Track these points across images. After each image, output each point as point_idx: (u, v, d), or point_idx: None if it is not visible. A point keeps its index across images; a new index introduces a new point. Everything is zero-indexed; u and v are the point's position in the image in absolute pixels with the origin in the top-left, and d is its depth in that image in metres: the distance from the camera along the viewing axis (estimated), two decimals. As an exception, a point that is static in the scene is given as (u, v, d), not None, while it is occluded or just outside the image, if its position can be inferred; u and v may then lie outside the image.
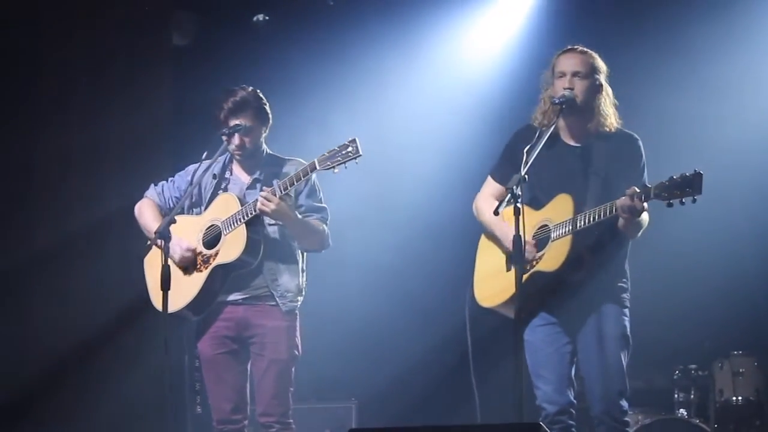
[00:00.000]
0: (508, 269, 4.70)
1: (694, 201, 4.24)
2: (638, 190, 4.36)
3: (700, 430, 6.56)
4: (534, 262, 4.60)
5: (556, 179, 4.68)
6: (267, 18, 7.77)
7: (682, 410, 6.92)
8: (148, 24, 7.39)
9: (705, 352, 7.03)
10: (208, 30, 7.69)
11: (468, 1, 7.60)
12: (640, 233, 4.61)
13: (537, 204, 4.70)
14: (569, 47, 4.78)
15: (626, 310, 4.69)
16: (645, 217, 4.54)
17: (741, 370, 6.90)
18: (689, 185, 4.21)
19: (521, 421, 4.09)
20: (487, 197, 4.87)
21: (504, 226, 4.66)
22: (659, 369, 7.05)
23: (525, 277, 4.51)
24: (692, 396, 6.96)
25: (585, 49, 4.76)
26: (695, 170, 4.23)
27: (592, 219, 4.48)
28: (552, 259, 4.56)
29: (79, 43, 7.17)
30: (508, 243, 4.57)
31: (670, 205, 4.29)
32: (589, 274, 4.58)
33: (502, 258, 4.75)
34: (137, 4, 7.34)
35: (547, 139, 4.58)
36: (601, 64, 4.75)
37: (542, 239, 4.62)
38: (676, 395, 6.99)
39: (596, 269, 4.59)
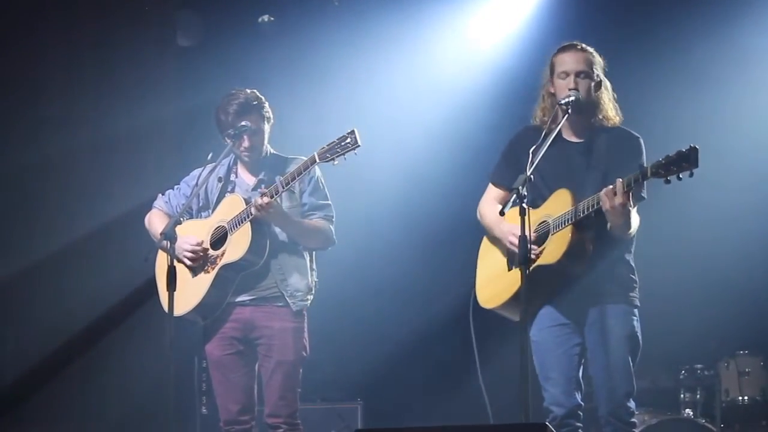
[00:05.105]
0: (509, 269, 4.70)
1: (691, 175, 4.22)
2: (622, 181, 4.34)
3: (706, 430, 6.56)
4: (534, 258, 4.58)
5: (558, 176, 4.67)
6: (272, 19, 7.77)
7: (688, 410, 6.92)
8: (154, 25, 7.40)
9: (711, 352, 7.03)
10: (213, 31, 7.70)
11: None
12: (631, 231, 4.55)
13: (536, 203, 4.69)
14: (567, 44, 4.76)
15: (635, 310, 4.66)
16: (634, 217, 4.51)
17: (747, 370, 6.90)
18: (685, 159, 4.20)
19: (527, 422, 4.10)
20: (490, 201, 4.86)
21: (504, 225, 4.66)
22: (665, 369, 7.04)
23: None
24: (698, 396, 6.96)
25: (584, 46, 4.74)
26: (690, 145, 4.22)
27: (586, 209, 4.47)
28: (552, 252, 4.55)
29: (84, 44, 7.19)
30: (508, 239, 4.62)
31: (668, 181, 4.27)
32: (591, 265, 4.56)
33: (503, 259, 4.75)
34: (142, 5, 7.35)
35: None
36: (599, 59, 4.74)
37: (542, 235, 4.62)
38: (681, 395, 6.99)
39: (597, 261, 4.57)
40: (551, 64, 4.76)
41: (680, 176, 4.23)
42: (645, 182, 4.45)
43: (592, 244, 4.55)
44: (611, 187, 4.38)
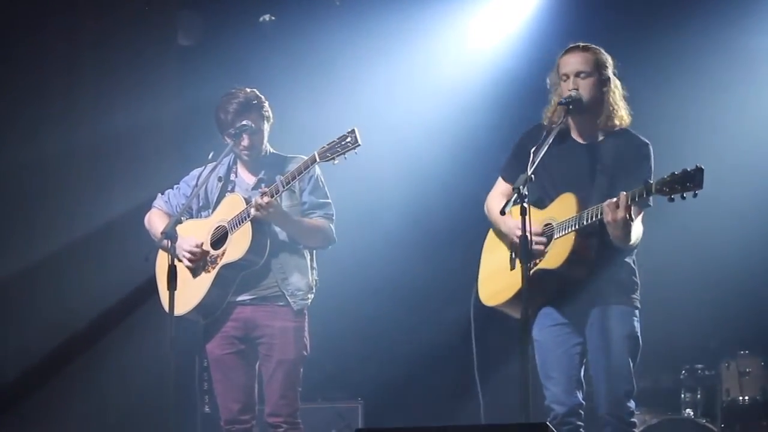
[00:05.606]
0: (512, 267, 4.70)
1: (695, 195, 4.23)
2: (626, 195, 4.34)
3: (707, 430, 6.56)
4: (537, 260, 4.60)
5: (565, 177, 4.68)
6: (273, 18, 7.77)
7: (688, 410, 6.92)
8: (154, 25, 7.39)
9: (711, 352, 7.03)
10: (213, 30, 7.69)
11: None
12: (632, 242, 4.53)
13: (543, 203, 4.71)
14: (572, 46, 4.74)
15: (636, 311, 4.66)
16: (636, 227, 4.52)
17: (748, 370, 6.89)
18: (690, 180, 4.20)
19: (528, 421, 4.10)
20: (498, 196, 4.88)
21: (510, 220, 4.65)
22: (666, 369, 7.04)
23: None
24: (699, 396, 6.96)
25: (588, 45, 4.72)
26: (696, 165, 4.22)
27: (589, 218, 4.48)
28: (555, 256, 4.57)
29: (84, 44, 7.18)
30: (513, 237, 4.61)
31: (671, 200, 4.27)
32: (592, 271, 4.58)
33: (506, 257, 4.75)
34: (142, 4, 7.35)
35: (557, 136, 4.56)
36: (606, 58, 4.71)
37: (546, 237, 4.63)
38: (682, 395, 6.99)
39: (600, 267, 4.58)
40: (557, 67, 4.76)
41: (684, 196, 4.23)
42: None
43: (594, 250, 4.56)
44: (614, 200, 4.38)
